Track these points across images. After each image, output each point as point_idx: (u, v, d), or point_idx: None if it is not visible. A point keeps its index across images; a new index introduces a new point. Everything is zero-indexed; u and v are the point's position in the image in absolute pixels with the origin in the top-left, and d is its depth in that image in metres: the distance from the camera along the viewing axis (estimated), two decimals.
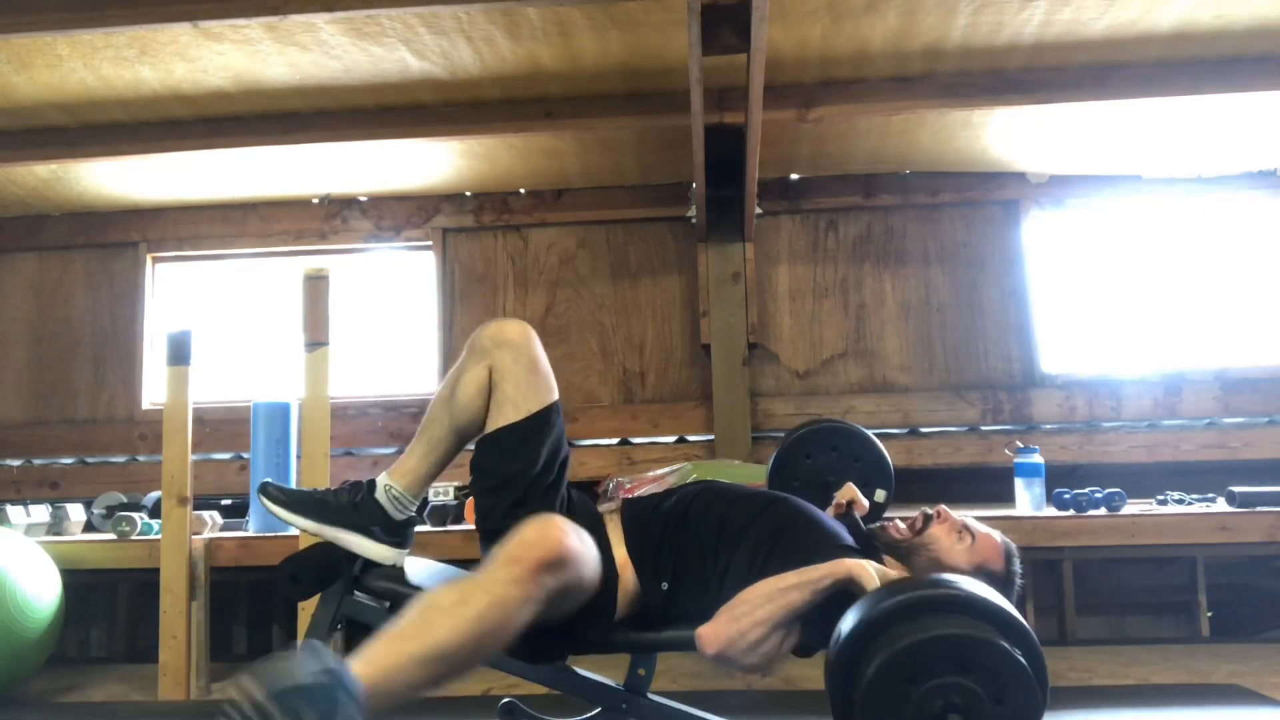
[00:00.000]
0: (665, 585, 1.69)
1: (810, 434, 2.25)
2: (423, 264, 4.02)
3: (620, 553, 1.71)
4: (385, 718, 1.31)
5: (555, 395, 1.71)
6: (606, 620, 1.65)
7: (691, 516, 1.76)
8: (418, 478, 1.73)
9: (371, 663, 1.32)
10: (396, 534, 1.72)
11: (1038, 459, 3.03)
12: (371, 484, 1.72)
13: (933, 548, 1.70)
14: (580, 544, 1.49)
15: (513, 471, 1.65)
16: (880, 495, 2.16)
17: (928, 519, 1.73)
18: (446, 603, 1.40)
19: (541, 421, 1.66)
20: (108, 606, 3.76)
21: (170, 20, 2.69)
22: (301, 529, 1.71)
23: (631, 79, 3.18)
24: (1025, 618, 1.54)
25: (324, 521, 1.69)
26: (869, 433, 2.27)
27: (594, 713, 1.77)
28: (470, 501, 2.74)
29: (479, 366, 1.68)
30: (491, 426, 1.67)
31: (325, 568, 1.72)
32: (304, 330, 2.85)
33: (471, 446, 1.74)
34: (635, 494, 2.69)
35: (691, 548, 1.72)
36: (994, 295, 3.80)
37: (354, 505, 1.70)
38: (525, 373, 1.66)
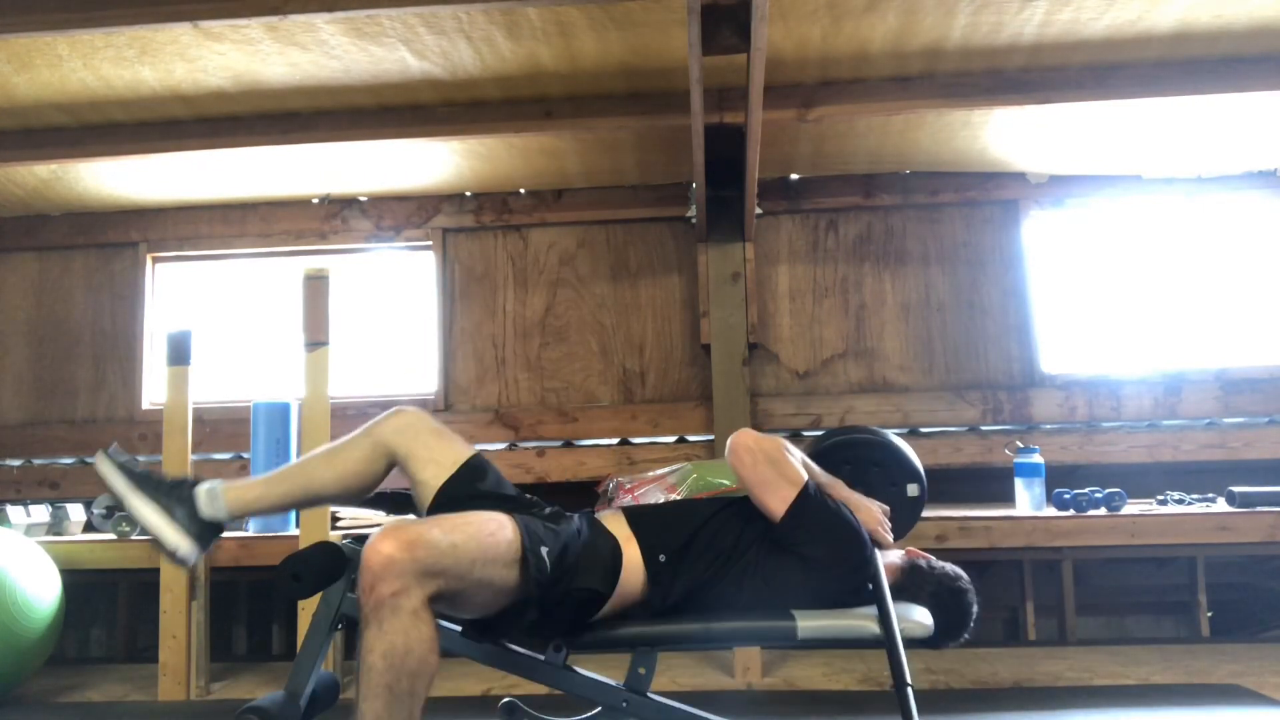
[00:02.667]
0: (663, 558, 1.74)
1: (826, 452, 2.22)
2: (423, 264, 4.02)
3: (622, 530, 1.78)
4: None
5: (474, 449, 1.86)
6: (609, 582, 1.68)
7: (696, 504, 1.90)
8: (246, 501, 1.80)
9: None
10: (196, 528, 1.75)
11: (1038, 459, 3.03)
12: (199, 479, 1.79)
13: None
14: (429, 531, 1.50)
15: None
16: (913, 490, 2.19)
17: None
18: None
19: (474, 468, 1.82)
20: (108, 606, 3.77)
21: (170, 20, 2.69)
22: (111, 489, 1.77)
23: (631, 79, 3.18)
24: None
25: (133, 488, 1.75)
26: (883, 434, 2.24)
27: (594, 712, 1.77)
28: None
29: (375, 446, 1.83)
30: (426, 487, 1.78)
31: (326, 567, 1.72)
32: (304, 330, 2.85)
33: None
34: (635, 493, 2.69)
35: (692, 529, 1.81)
36: (994, 295, 3.80)
37: (170, 486, 1.76)
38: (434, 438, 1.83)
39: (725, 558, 1.77)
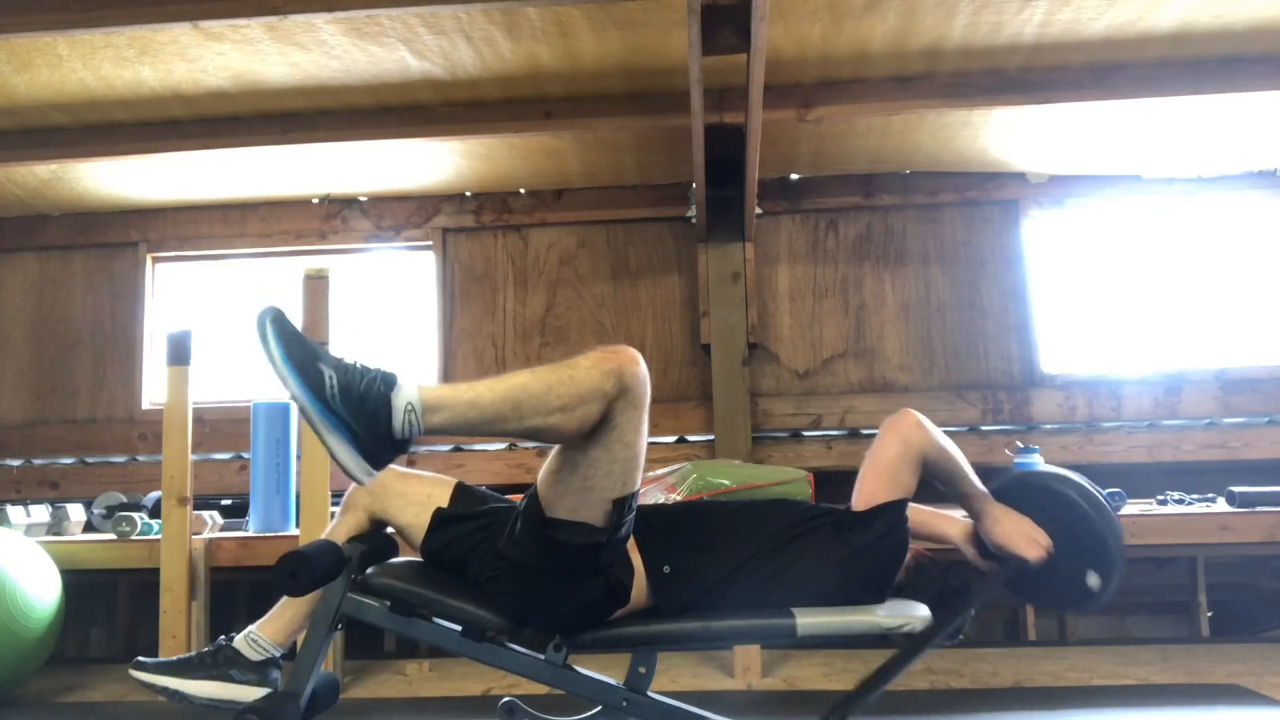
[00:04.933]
0: (667, 569, 1.73)
1: (1018, 490, 1.89)
2: (423, 264, 4.02)
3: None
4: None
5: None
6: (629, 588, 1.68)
7: (696, 507, 1.88)
8: (286, 628, 1.84)
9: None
10: (257, 672, 1.80)
11: (1038, 459, 3.03)
12: (233, 635, 1.84)
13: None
14: (644, 390, 1.55)
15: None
16: (1092, 580, 1.81)
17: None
18: (528, 370, 1.51)
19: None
20: (108, 607, 3.77)
21: (170, 20, 2.69)
22: (161, 689, 1.78)
23: (631, 79, 3.18)
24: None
25: (184, 677, 1.78)
26: (1091, 497, 1.83)
27: (594, 711, 1.77)
28: None
29: (358, 516, 1.85)
30: (412, 529, 1.81)
31: (324, 565, 1.72)
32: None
33: None
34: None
35: (694, 531, 1.79)
36: (994, 295, 3.81)
37: (211, 656, 1.81)
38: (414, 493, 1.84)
39: (740, 564, 1.74)
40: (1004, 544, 1.81)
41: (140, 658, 1.83)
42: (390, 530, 1.89)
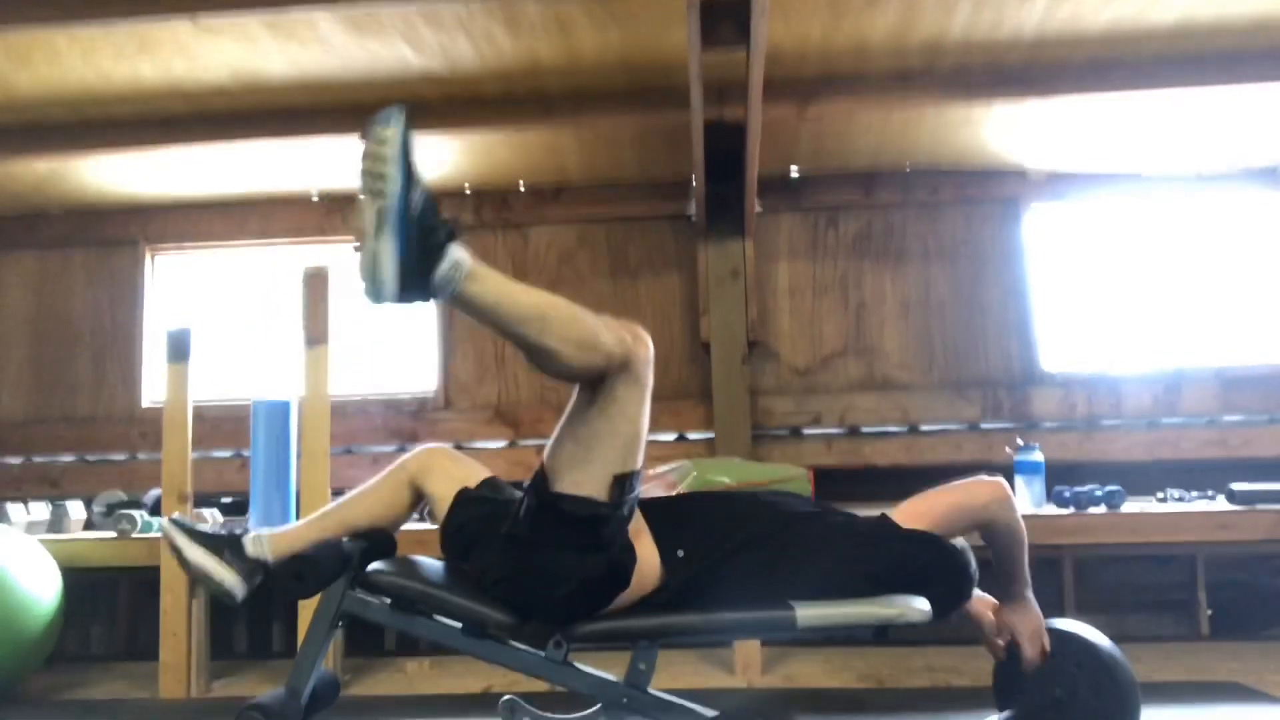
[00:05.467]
0: (681, 554, 1.75)
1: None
2: None
3: (635, 523, 1.76)
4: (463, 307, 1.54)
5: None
6: (621, 580, 1.69)
7: (707, 496, 1.97)
8: (288, 540, 1.86)
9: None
10: (244, 564, 1.82)
11: (1038, 457, 3.03)
12: (249, 530, 1.90)
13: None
14: (645, 371, 1.61)
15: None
16: None
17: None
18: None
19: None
20: (108, 604, 3.77)
21: (170, 15, 2.69)
22: (170, 540, 1.83)
23: (631, 75, 3.18)
24: None
25: (191, 540, 1.83)
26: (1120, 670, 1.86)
27: (595, 708, 1.77)
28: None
29: (400, 478, 1.92)
30: (439, 499, 1.88)
31: (328, 565, 1.72)
32: (304, 328, 2.85)
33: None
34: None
35: (709, 521, 1.82)
36: (994, 293, 3.80)
37: (221, 537, 1.86)
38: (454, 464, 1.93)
39: (748, 548, 1.77)
40: (1014, 630, 1.91)
41: (178, 517, 1.90)
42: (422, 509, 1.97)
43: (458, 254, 1.49)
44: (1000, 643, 1.95)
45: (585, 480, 1.61)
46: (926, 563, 1.78)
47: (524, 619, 1.70)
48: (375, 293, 1.47)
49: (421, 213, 1.47)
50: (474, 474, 1.91)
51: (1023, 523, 1.87)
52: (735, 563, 1.74)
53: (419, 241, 1.46)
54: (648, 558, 1.72)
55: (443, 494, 1.87)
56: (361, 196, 1.48)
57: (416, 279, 1.47)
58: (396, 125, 1.50)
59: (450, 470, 1.90)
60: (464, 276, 1.50)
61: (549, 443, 1.69)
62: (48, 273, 4.09)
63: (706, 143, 3.17)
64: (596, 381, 1.59)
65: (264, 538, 1.85)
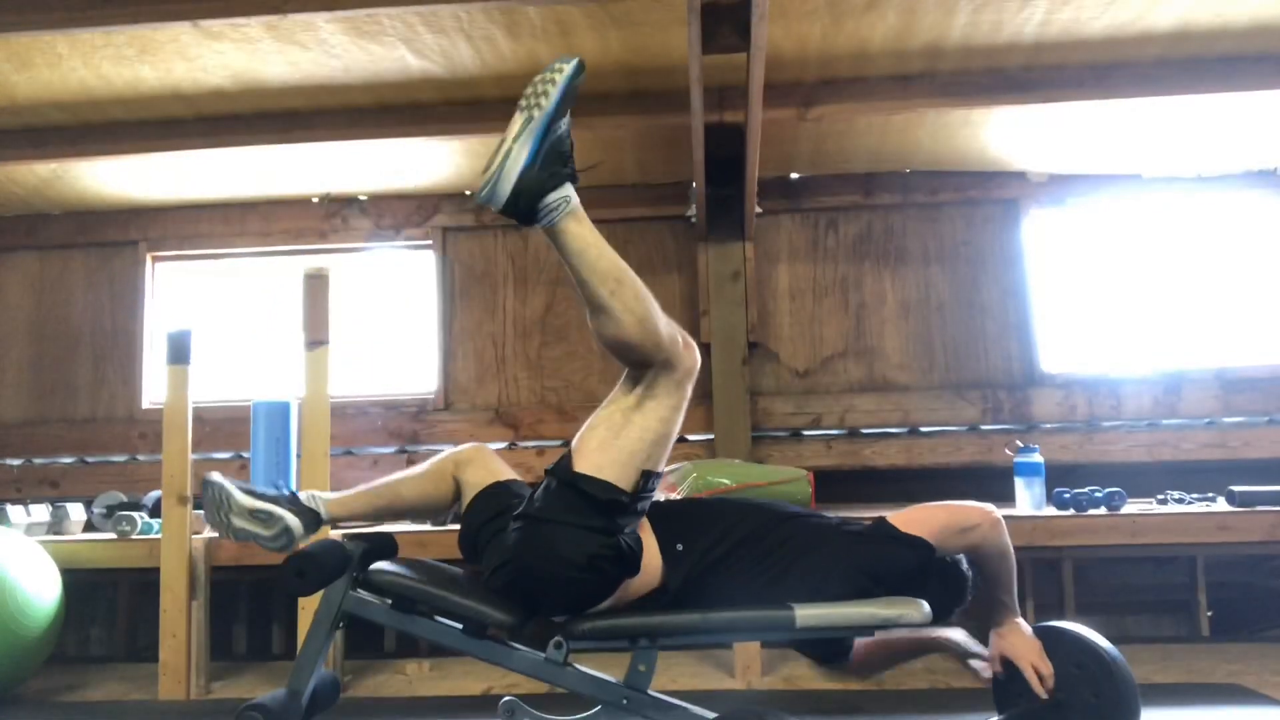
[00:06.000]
0: (680, 547, 1.78)
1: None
2: (423, 263, 4.02)
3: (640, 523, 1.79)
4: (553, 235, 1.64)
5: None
6: (629, 567, 1.71)
7: (706, 500, 2.04)
8: (342, 502, 1.90)
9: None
10: (303, 512, 1.85)
11: (1037, 458, 3.03)
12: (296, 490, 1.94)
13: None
14: (686, 375, 1.72)
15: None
16: None
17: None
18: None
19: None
20: (108, 606, 3.76)
21: (170, 19, 2.70)
22: (221, 495, 1.84)
23: (631, 78, 3.18)
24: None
25: (242, 490, 1.84)
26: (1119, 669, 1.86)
27: (595, 710, 1.77)
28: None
29: (445, 468, 1.96)
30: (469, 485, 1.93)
31: (328, 564, 1.72)
32: (304, 329, 2.85)
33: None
34: None
35: (707, 518, 1.86)
36: (994, 294, 3.80)
37: (269, 488, 1.90)
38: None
39: (745, 544, 1.80)
40: (1013, 656, 1.91)
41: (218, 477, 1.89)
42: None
43: (570, 191, 1.62)
44: (993, 668, 1.95)
45: (608, 466, 1.66)
46: (922, 565, 1.78)
47: (524, 608, 1.70)
48: (491, 190, 1.58)
49: (559, 140, 1.60)
50: (503, 471, 1.96)
51: (1012, 549, 1.89)
52: (733, 558, 1.77)
53: (546, 161, 1.58)
54: (649, 554, 1.74)
55: (470, 479, 1.92)
56: (520, 107, 1.59)
57: (531, 191, 1.57)
58: (573, 68, 1.61)
59: (489, 464, 1.95)
60: (569, 211, 1.62)
61: (583, 428, 1.74)
62: (48, 275, 4.10)
63: (707, 145, 3.17)
64: (640, 372, 1.69)
65: (318, 496, 1.88)
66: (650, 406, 1.68)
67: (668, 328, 1.66)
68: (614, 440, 1.67)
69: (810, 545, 1.80)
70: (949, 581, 1.88)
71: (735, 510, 1.90)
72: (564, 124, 1.62)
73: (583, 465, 1.67)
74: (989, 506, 1.88)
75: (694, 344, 1.72)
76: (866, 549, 1.79)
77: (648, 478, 1.68)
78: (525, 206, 1.59)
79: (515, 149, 1.56)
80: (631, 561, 1.69)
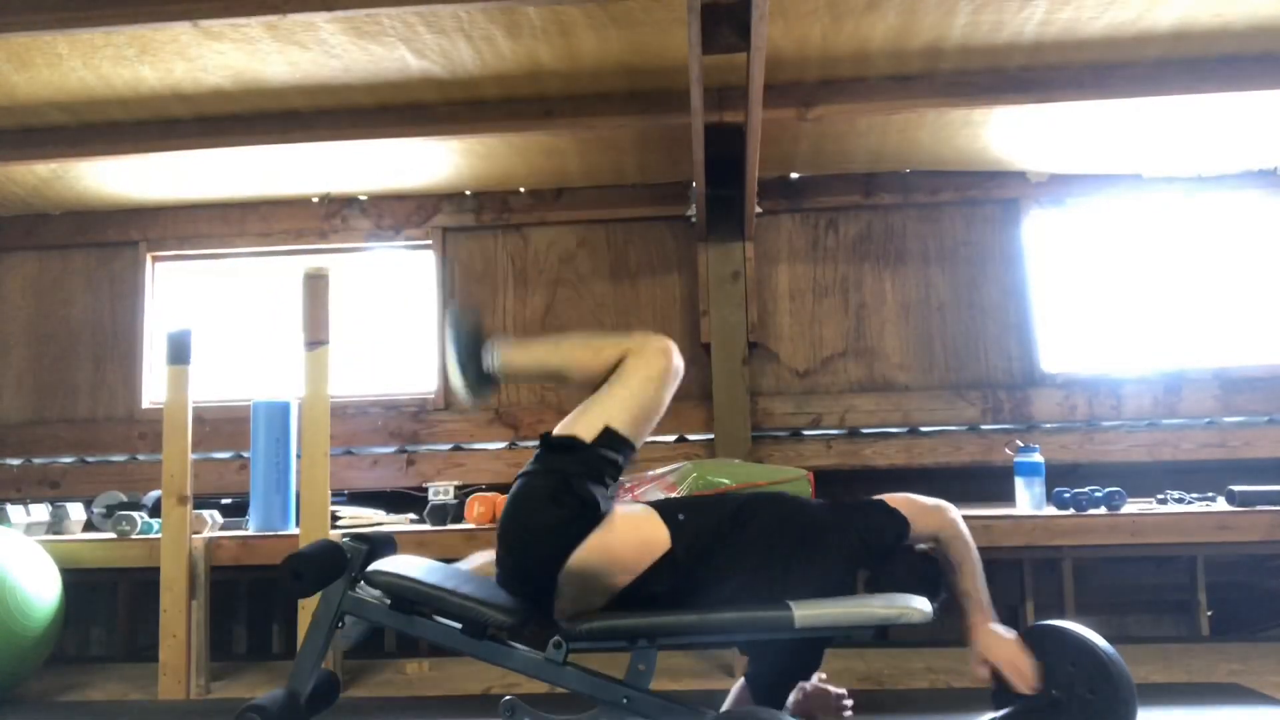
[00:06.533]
0: (682, 516, 1.88)
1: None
2: (423, 263, 4.02)
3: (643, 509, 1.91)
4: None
5: None
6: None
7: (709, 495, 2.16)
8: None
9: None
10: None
11: (1037, 458, 3.03)
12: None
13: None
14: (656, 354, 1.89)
15: None
16: None
17: None
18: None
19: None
20: (108, 606, 3.77)
21: (170, 19, 2.70)
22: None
23: (631, 78, 3.18)
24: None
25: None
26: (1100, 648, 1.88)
27: (595, 710, 1.77)
28: (471, 500, 2.85)
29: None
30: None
31: (327, 565, 1.72)
32: (304, 329, 2.85)
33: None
34: (635, 492, 2.69)
35: (705, 501, 1.97)
36: (994, 294, 3.80)
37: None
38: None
39: (745, 508, 1.90)
40: (993, 662, 1.93)
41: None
42: None
43: (493, 353, 1.98)
44: (976, 673, 1.96)
45: (574, 424, 1.85)
46: (899, 536, 1.91)
47: (515, 567, 1.77)
48: (461, 395, 2.00)
49: (472, 344, 1.98)
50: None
51: (974, 546, 1.97)
52: (735, 521, 1.86)
53: (469, 360, 1.98)
54: (655, 528, 1.83)
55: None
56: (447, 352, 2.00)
57: (475, 378, 1.98)
58: (451, 323, 2.00)
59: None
60: (500, 361, 1.97)
61: None
62: (48, 275, 4.10)
63: (707, 145, 3.17)
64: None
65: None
66: (616, 377, 1.87)
67: (617, 346, 1.91)
68: (586, 407, 1.88)
69: (809, 506, 1.95)
70: (923, 571, 1.95)
71: (733, 495, 2.04)
72: (467, 331, 1.98)
73: (557, 429, 1.87)
74: (949, 508, 2.02)
75: (657, 335, 1.92)
76: (860, 516, 1.91)
77: (612, 435, 1.81)
78: (481, 381, 1.99)
79: (453, 370, 1.97)
80: (590, 507, 1.76)
